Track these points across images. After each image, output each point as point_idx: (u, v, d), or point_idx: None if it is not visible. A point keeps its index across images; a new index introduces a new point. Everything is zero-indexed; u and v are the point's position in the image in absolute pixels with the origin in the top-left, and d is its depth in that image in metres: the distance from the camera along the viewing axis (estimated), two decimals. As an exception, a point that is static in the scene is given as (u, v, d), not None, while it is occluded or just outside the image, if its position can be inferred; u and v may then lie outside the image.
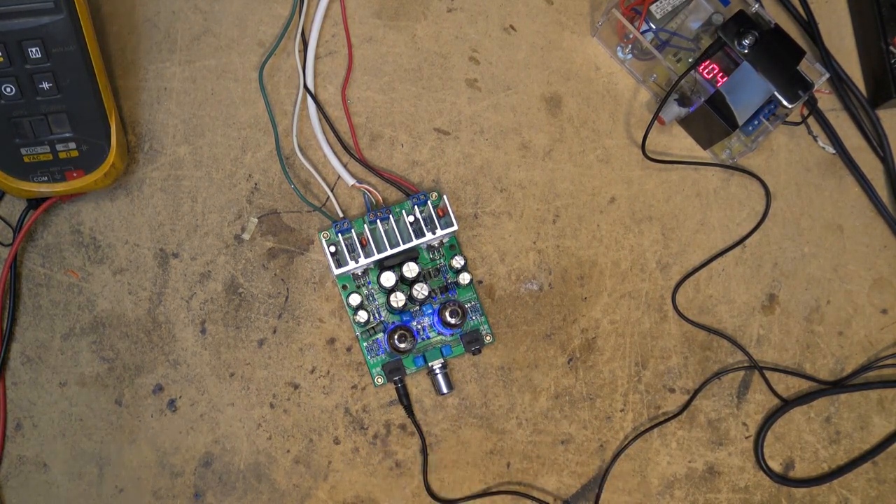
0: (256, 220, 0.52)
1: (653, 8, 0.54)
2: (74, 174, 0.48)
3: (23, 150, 0.47)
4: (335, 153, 0.53)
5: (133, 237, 0.52)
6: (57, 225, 0.51)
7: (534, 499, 0.52)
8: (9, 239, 0.51)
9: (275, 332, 0.52)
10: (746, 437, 0.54)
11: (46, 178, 0.47)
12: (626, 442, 0.53)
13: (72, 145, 0.47)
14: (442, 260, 0.52)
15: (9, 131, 0.46)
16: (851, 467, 0.54)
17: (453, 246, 0.52)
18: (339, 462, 0.51)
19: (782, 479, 0.54)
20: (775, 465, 0.54)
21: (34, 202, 0.50)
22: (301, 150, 0.53)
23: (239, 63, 0.53)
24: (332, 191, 0.52)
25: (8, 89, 0.45)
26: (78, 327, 0.51)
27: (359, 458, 0.51)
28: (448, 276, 0.52)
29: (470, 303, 0.52)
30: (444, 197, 0.51)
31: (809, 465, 0.54)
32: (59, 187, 0.48)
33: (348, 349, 0.52)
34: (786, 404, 0.54)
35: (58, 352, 0.51)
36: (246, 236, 0.52)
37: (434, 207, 0.51)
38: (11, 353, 0.50)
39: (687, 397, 0.54)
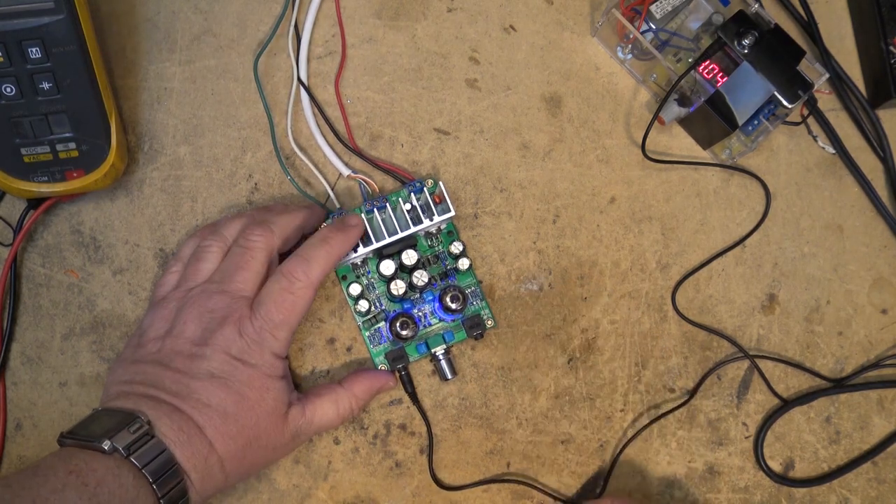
0: None
1: (653, 8, 0.54)
2: (74, 174, 0.48)
3: (23, 150, 0.47)
4: (330, 145, 0.53)
5: (133, 237, 0.52)
6: (57, 225, 0.51)
7: (539, 489, 0.52)
8: (9, 239, 0.51)
9: (275, 332, 0.51)
10: (746, 437, 0.54)
11: (46, 178, 0.47)
12: (633, 434, 0.53)
13: (72, 145, 0.47)
14: (440, 246, 0.52)
15: (9, 131, 0.46)
16: (851, 467, 0.54)
17: (451, 232, 0.52)
18: (339, 462, 0.51)
19: (782, 479, 0.54)
20: (775, 465, 0.54)
21: (34, 202, 0.50)
22: (300, 147, 0.53)
23: (239, 63, 0.53)
24: (332, 189, 0.52)
25: (8, 89, 0.45)
26: (78, 327, 0.51)
27: (359, 458, 0.51)
28: (447, 263, 0.52)
29: (470, 288, 0.52)
30: (441, 183, 0.51)
31: (809, 465, 0.54)
32: (59, 187, 0.48)
33: (348, 349, 0.52)
34: (786, 404, 0.54)
35: (58, 352, 0.51)
36: None
37: (430, 194, 0.51)
38: (11, 353, 0.50)
39: (687, 397, 0.54)
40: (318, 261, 0.46)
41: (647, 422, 0.53)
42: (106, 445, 0.39)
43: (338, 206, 0.52)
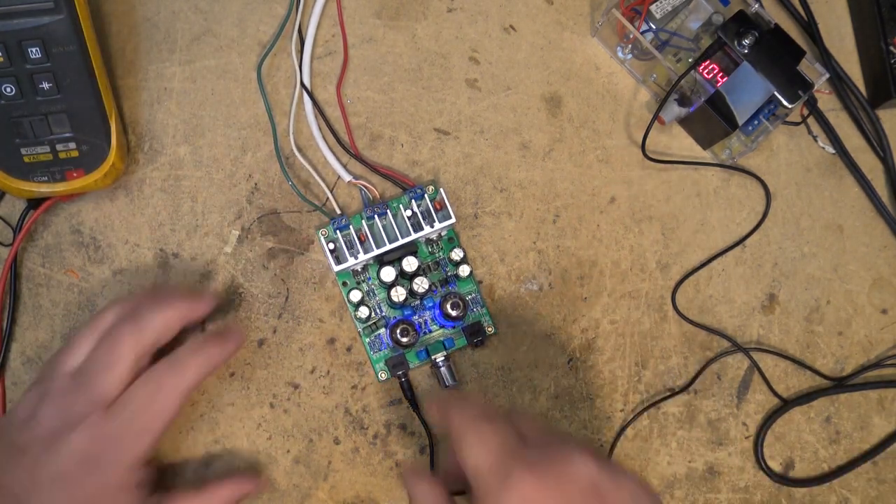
0: (238, 232, 0.52)
1: (653, 8, 0.54)
2: (74, 174, 0.48)
3: (23, 150, 0.47)
4: (331, 149, 0.53)
5: (133, 237, 0.52)
6: (57, 225, 0.51)
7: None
8: (9, 239, 0.51)
9: (275, 332, 0.52)
10: (746, 437, 0.54)
11: (46, 178, 0.47)
12: (636, 414, 0.53)
13: (72, 145, 0.47)
14: (441, 253, 0.52)
15: (9, 131, 0.46)
16: (851, 467, 0.54)
17: (451, 239, 0.52)
18: (339, 462, 0.51)
19: (782, 479, 0.54)
20: (775, 465, 0.54)
21: (34, 202, 0.50)
22: (300, 149, 0.53)
23: (239, 63, 0.53)
24: (331, 191, 0.52)
25: (8, 89, 0.45)
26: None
27: (359, 458, 0.51)
28: (447, 269, 0.52)
29: (470, 295, 0.52)
30: (441, 190, 0.51)
31: (809, 465, 0.54)
32: (59, 187, 0.48)
33: (348, 349, 0.52)
34: (786, 404, 0.54)
35: (58, 352, 0.51)
36: (228, 249, 0.52)
37: (431, 201, 0.51)
38: (11, 353, 0.50)
39: (687, 397, 0.54)
40: (190, 371, 0.44)
41: (647, 420, 0.53)
42: None
43: (338, 211, 0.52)
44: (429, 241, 0.52)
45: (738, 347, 0.54)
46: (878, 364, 0.55)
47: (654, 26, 0.54)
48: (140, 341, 0.44)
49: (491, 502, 0.37)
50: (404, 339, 0.49)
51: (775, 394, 0.54)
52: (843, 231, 0.56)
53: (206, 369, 0.44)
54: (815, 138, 0.57)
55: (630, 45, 0.54)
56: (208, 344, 0.45)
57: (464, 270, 0.51)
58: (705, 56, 0.51)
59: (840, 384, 0.55)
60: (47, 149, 0.47)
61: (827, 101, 0.57)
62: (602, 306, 0.54)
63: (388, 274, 0.50)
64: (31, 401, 0.43)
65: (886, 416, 0.55)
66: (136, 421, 0.42)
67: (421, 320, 0.51)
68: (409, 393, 0.51)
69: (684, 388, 0.54)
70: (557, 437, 0.41)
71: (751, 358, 0.54)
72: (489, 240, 0.54)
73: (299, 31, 0.53)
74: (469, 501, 0.39)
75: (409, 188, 0.52)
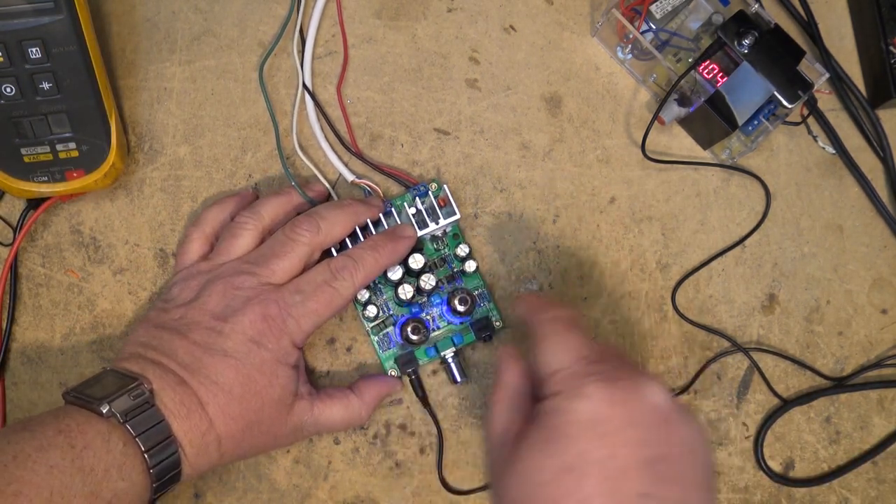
0: None
1: (653, 8, 0.54)
2: (74, 174, 0.48)
3: (23, 150, 0.47)
4: (333, 149, 0.53)
5: (133, 237, 0.52)
6: (57, 225, 0.52)
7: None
8: (9, 239, 0.51)
9: (275, 332, 0.51)
10: (746, 437, 0.54)
11: (46, 178, 0.47)
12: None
13: (72, 145, 0.47)
14: (446, 249, 0.52)
15: (9, 131, 0.46)
16: (851, 467, 0.54)
17: (457, 234, 0.52)
18: (339, 462, 0.51)
19: (782, 479, 0.54)
20: (775, 465, 0.54)
21: (34, 202, 0.50)
22: (301, 148, 0.53)
23: (239, 63, 0.53)
24: (333, 189, 0.52)
25: (8, 89, 0.45)
26: (78, 327, 0.51)
27: (359, 458, 0.51)
28: (454, 266, 0.52)
29: (477, 290, 0.52)
30: (445, 186, 0.51)
31: (809, 465, 0.54)
32: (59, 187, 0.48)
33: (348, 349, 0.52)
34: (786, 404, 0.54)
35: (58, 352, 0.51)
36: None
37: (435, 198, 0.51)
38: (11, 353, 0.50)
39: (687, 397, 0.54)
40: (366, 266, 0.47)
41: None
42: (104, 409, 0.39)
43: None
44: (434, 237, 0.52)
45: (737, 347, 0.54)
46: (878, 364, 0.55)
47: (654, 26, 0.54)
48: (314, 241, 0.46)
49: (563, 405, 0.38)
50: (415, 337, 0.49)
51: (775, 394, 0.54)
52: (843, 231, 0.56)
53: (379, 267, 0.48)
54: (815, 138, 0.57)
55: (630, 45, 0.54)
56: (381, 243, 0.48)
57: (470, 266, 0.51)
58: (705, 56, 0.51)
59: (840, 384, 0.55)
60: (47, 149, 0.47)
61: (827, 101, 0.57)
62: (602, 306, 0.54)
63: (395, 272, 0.50)
64: (191, 286, 0.46)
65: (886, 416, 0.55)
66: (310, 303, 0.45)
67: (429, 317, 0.51)
68: (420, 391, 0.51)
69: (684, 389, 0.54)
70: (632, 364, 0.43)
71: (751, 358, 0.54)
72: (489, 240, 0.54)
73: (301, 32, 0.53)
74: (536, 401, 0.40)
75: (413, 186, 0.52)
